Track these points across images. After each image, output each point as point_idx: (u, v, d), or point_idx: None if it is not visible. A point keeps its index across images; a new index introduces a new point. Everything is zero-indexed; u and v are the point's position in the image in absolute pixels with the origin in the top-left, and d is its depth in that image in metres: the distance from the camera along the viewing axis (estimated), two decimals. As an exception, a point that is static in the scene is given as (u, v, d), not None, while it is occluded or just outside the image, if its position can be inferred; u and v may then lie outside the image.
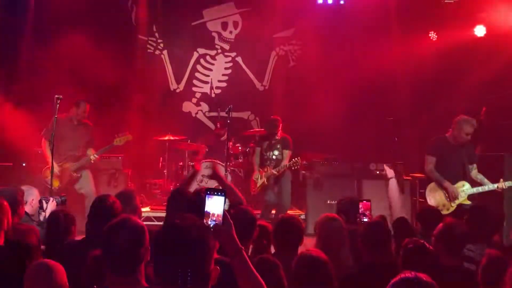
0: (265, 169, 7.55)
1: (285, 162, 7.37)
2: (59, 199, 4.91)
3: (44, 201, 4.73)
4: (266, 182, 7.50)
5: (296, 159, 7.27)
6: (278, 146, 7.54)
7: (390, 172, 4.92)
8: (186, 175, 3.86)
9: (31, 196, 4.82)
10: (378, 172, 8.39)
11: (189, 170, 8.66)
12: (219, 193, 2.12)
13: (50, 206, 4.76)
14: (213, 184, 5.53)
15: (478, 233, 3.93)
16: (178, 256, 1.76)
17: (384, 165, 5.22)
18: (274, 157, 7.55)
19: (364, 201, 4.05)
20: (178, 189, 3.70)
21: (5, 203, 3.56)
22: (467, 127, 5.97)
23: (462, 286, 3.25)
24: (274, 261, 2.96)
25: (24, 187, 4.93)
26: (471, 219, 4.07)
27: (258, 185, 7.58)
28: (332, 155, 9.12)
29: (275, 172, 7.38)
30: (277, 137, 7.56)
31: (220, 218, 2.08)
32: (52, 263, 2.81)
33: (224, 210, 2.11)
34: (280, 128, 7.57)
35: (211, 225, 2.07)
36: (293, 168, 7.44)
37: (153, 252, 1.82)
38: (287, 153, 7.49)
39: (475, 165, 6.13)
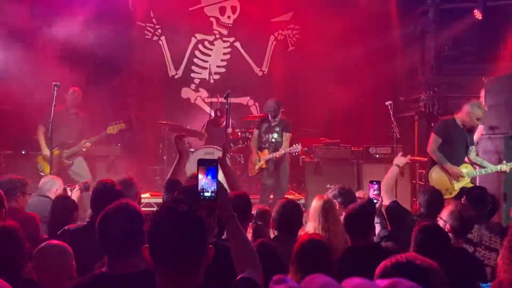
0: (264, 152, 7.49)
1: (285, 145, 7.33)
2: (83, 186, 4.99)
3: (68, 190, 4.80)
4: (264, 165, 7.44)
5: (296, 144, 7.23)
6: (278, 129, 7.45)
7: (399, 160, 4.77)
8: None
9: (55, 186, 4.88)
10: (377, 156, 8.40)
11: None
12: (211, 164, 2.14)
13: (75, 194, 4.81)
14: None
15: (476, 215, 3.93)
16: (173, 237, 1.77)
17: (400, 153, 5.12)
18: (273, 140, 7.46)
19: (374, 182, 3.92)
20: (170, 180, 3.68)
21: (1, 192, 3.58)
22: (479, 111, 5.90)
23: (464, 266, 3.26)
24: (274, 245, 2.96)
25: (46, 178, 5.04)
26: (469, 201, 4.07)
27: (256, 167, 7.54)
28: (332, 139, 9.12)
29: (275, 155, 7.32)
30: (277, 119, 7.48)
31: (215, 188, 2.12)
32: (61, 244, 2.85)
33: (218, 180, 2.13)
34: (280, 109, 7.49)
35: (207, 197, 2.11)
36: (293, 153, 7.42)
37: (149, 234, 1.83)
38: (287, 135, 7.41)
39: (474, 147, 6.11)
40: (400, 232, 3.73)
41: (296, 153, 7.51)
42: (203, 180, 2.11)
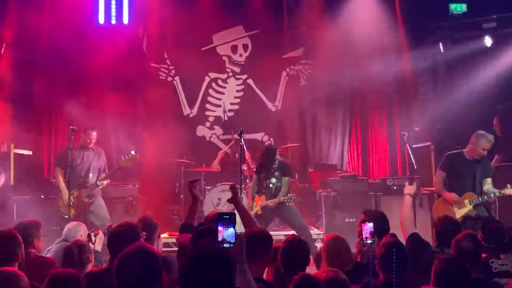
0: (261, 197, 7.11)
1: (284, 190, 7.03)
2: (106, 230, 4.95)
3: (92, 235, 4.79)
4: (259, 212, 7.03)
5: (291, 195, 6.91)
6: (277, 174, 7.17)
7: (409, 189, 4.75)
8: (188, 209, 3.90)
9: (79, 232, 4.88)
10: (395, 188, 8.30)
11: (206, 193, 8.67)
12: (229, 216, 2.36)
13: (99, 239, 4.80)
14: (229, 207, 5.45)
15: (493, 248, 3.89)
16: (209, 280, 1.95)
17: (406, 182, 5.14)
18: (271, 185, 7.15)
19: (367, 223, 3.71)
20: (184, 224, 3.74)
21: (19, 235, 3.60)
22: (484, 142, 5.91)
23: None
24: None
25: (71, 225, 5.05)
26: (484, 234, 4.04)
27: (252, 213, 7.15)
28: (348, 172, 9.07)
29: (271, 204, 6.98)
30: (275, 164, 7.18)
31: (233, 240, 2.33)
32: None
33: (235, 232, 2.35)
34: (277, 155, 7.22)
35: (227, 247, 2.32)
36: (287, 203, 6.97)
37: (184, 278, 1.93)
38: (286, 180, 7.14)
39: (489, 179, 6.04)
40: (419, 264, 3.67)
41: (290, 203, 6.97)
42: (224, 232, 2.33)
